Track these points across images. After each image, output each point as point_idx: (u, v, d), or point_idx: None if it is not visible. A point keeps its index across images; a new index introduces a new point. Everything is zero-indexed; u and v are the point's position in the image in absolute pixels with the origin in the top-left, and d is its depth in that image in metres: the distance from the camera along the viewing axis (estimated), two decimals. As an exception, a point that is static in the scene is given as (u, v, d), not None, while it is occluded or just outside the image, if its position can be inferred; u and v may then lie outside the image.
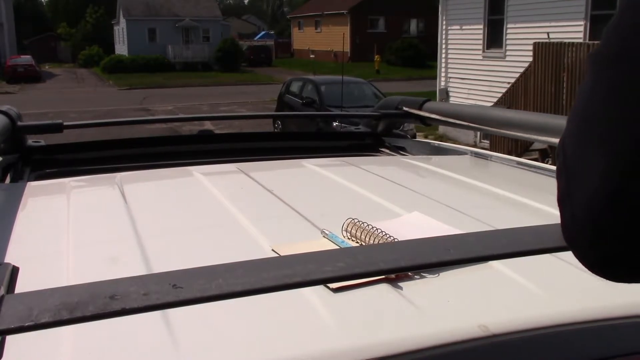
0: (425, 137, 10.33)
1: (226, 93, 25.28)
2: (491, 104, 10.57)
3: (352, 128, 2.74)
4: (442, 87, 14.64)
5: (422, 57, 34.14)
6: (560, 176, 0.53)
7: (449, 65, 14.45)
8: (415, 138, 3.09)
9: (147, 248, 1.08)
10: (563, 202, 0.53)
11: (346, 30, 37.91)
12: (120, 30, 42.92)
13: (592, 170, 0.49)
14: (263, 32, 60.56)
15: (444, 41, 14.59)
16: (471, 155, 2.06)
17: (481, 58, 13.42)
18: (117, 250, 1.13)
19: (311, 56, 41.05)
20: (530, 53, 10.29)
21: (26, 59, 33.77)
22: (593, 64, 0.51)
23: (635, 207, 0.47)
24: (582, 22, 10.94)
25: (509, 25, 12.58)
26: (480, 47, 13.44)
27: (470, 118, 2.01)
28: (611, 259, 0.50)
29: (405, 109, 2.31)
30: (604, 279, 0.53)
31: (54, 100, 22.61)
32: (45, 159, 2.11)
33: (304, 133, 3.39)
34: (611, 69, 0.49)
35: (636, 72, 0.47)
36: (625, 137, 0.47)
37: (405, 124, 3.25)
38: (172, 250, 1.12)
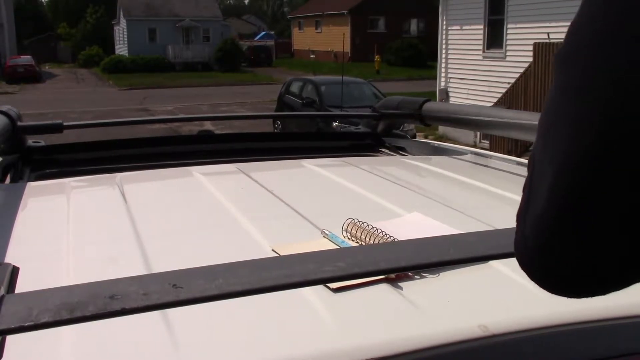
0: (425, 137, 10.33)
1: (226, 93, 25.27)
2: (491, 104, 10.57)
3: (352, 128, 2.74)
4: (442, 87, 14.64)
5: (422, 57, 34.13)
6: (523, 191, 0.48)
7: (449, 66, 14.45)
8: (415, 138, 3.09)
9: (147, 248, 1.08)
10: (518, 219, 0.48)
11: (346, 30, 37.91)
12: (121, 31, 42.92)
13: (543, 187, 0.44)
14: (263, 32, 60.55)
15: (444, 41, 14.58)
16: (471, 155, 2.06)
17: (481, 58, 13.42)
18: (117, 250, 1.13)
19: (311, 56, 41.06)
20: (531, 53, 10.29)
21: (26, 59, 33.75)
22: (554, 66, 0.47)
23: (581, 231, 0.42)
24: (582, 22, 10.92)
25: (509, 26, 12.58)
26: (481, 47, 13.43)
27: (470, 118, 2.01)
28: (559, 281, 0.46)
29: (405, 109, 2.31)
30: None
31: (54, 101, 22.61)
32: (45, 159, 2.11)
33: (304, 133, 3.40)
34: (562, 72, 0.44)
35: (584, 76, 0.41)
36: (568, 150, 0.42)
37: (405, 124, 3.25)
38: (172, 250, 1.12)
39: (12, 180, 1.84)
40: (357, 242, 1.09)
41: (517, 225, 0.48)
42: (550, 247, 0.45)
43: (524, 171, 1.82)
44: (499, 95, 11.38)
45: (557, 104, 0.44)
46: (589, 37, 0.42)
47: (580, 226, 0.42)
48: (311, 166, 1.79)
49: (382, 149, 2.38)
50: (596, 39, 0.42)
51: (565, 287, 0.47)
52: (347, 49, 37.36)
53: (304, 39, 44.97)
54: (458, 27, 14.08)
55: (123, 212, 1.32)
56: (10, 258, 1.02)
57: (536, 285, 0.94)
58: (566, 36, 0.46)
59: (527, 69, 10.37)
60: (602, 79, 0.40)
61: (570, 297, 0.48)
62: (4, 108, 1.94)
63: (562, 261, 0.44)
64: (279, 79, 26.26)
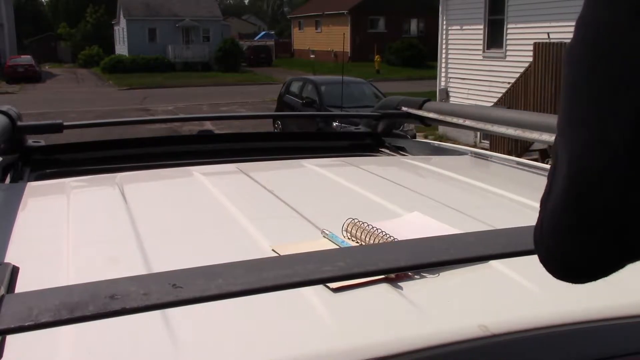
0: (425, 137, 10.33)
1: (226, 93, 25.27)
2: (491, 104, 10.56)
3: (352, 128, 2.74)
4: (442, 87, 14.63)
5: (422, 57, 34.13)
6: (548, 179, 0.51)
7: (449, 65, 14.45)
8: (415, 138, 3.09)
9: (147, 248, 1.08)
10: (541, 205, 0.51)
11: (346, 30, 37.91)
12: (121, 30, 42.92)
13: (559, 176, 0.47)
14: (263, 32, 60.54)
15: (444, 41, 14.58)
16: (471, 155, 2.06)
17: (481, 58, 13.41)
18: (117, 250, 1.13)
19: (311, 56, 41.05)
20: (531, 53, 10.29)
21: (26, 59, 33.75)
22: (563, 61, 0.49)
23: (587, 219, 0.44)
24: (582, 22, 10.92)
25: (509, 26, 12.58)
26: (481, 47, 13.43)
27: (470, 118, 2.01)
28: (570, 267, 0.49)
29: (405, 109, 2.31)
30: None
31: (54, 100, 22.61)
32: (45, 159, 2.11)
33: (304, 133, 3.40)
34: (571, 65, 0.46)
35: (591, 68, 0.43)
36: (577, 139, 0.44)
37: (405, 124, 3.25)
38: (172, 250, 1.12)
39: (12, 180, 1.84)
40: (357, 242, 1.09)
41: (539, 211, 0.51)
42: (560, 232, 0.47)
43: (524, 171, 1.82)
44: (499, 95, 11.37)
45: (567, 96, 0.46)
46: (591, 31, 0.44)
47: (585, 214, 0.44)
48: (311, 166, 1.79)
49: (382, 149, 2.38)
50: (599, 33, 0.43)
51: (573, 272, 0.50)
52: (347, 49, 37.36)
53: (304, 38, 44.96)
54: (458, 27, 14.08)
55: (123, 212, 1.32)
56: (10, 258, 1.02)
57: (536, 285, 0.94)
58: (574, 31, 0.47)
59: (527, 69, 10.36)
60: (602, 72, 0.42)
61: (575, 282, 0.51)
62: (4, 108, 1.94)
63: (570, 247, 0.47)
64: (279, 79, 26.26)
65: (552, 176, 0.49)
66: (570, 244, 0.47)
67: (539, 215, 0.51)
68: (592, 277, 0.49)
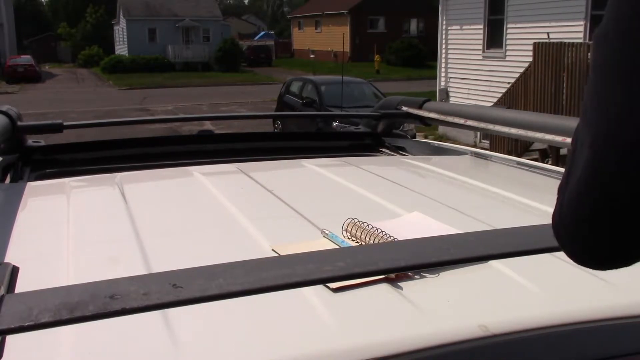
0: (425, 137, 10.33)
1: (226, 93, 25.27)
2: (491, 104, 10.56)
3: (352, 128, 2.74)
4: (442, 87, 14.63)
5: (422, 57, 34.13)
6: (565, 167, 0.53)
7: (449, 65, 14.44)
8: (415, 138, 3.09)
9: (147, 248, 1.08)
10: (559, 192, 0.53)
11: (346, 30, 37.91)
12: (120, 30, 42.91)
13: (581, 159, 0.48)
14: (263, 32, 60.52)
15: (444, 41, 14.58)
16: (471, 155, 2.06)
17: (481, 58, 13.41)
18: (117, 250, 1.13)
19: (311, 56, 41.05)
20: (530, 53, 10.29)
21: (26, 59, 33.75)
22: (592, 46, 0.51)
23: (615, 204, 0.45)
24: (582, 22, 10.93)
25: (509, 25, 12.58)
26: (480, 47, 13.43)
27: (470, 118, 2.01)
28: (591, 249, 0.50)
29: (405, 109, 2.31)
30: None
31: (54, 100, 22.61)
32: (45, 159, 2.11)
33: (304, 133, 3.40)
34: (599, 49, 0.48)
35: (621, 51, 0.45)
36: (602, 122, 0.46)
37: (405, 124, 3.25)
38: (172, 250, 1.12)
39: (12, 180, 1.84)
40: (357, 242, 1.09)
41: (557, 197, 0.53)
42: (582, 216, 0.48)
43: (524, 171, 1.82)
44: (499, 95, 11.37)
45: (595, 79, 0.48)
46: (620, 16, 0.46)
47: (610, 193, 0.45)
48: (311, 166, 1.79)
49: (382, 149, 2.38)
50: (626, 18, 0.45)
51: (594, 258, 0.50)
52: (347, 49, 37.35)
53: (304, 38, 44.96)
54: (458, 27, 14.08)
55: (123, 212, 1.32)
56: (10, 258, 1.02)
57: (536, 285, 0.94)
58: (604, 16, 0.49)
59: (527, 69, 10.36)
60: (634, 51, 0.44)
61: (595, 268, 0.51)
62: (4, 108, 1.94)
63: (591, 231, 0.48)
64: (279, 79, 26.26)
65: (571, 162, 0.50)
66: (591, 228, 0.48)
67: (557, 201, 0.52)
68: (613, 263, 0.50)
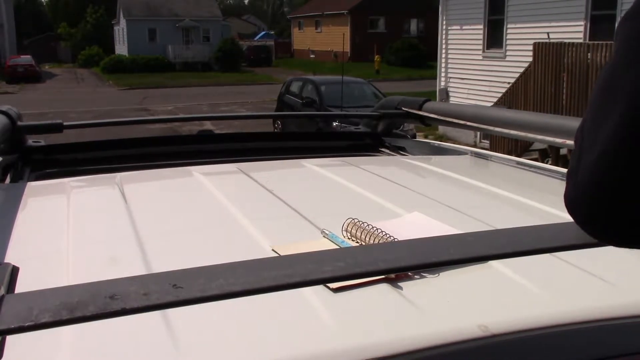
0: (425, 137, 10.33)
1: (226, 93, 25.27)
2: (491, 104, 10.56)
3: (352, 128, 2.74)
4: (442, 87, 14.64)
5: (422, 57, 34.12)
6: (572, 156, 0.55)
7: (449, 65, 14.45)
8: (415, 138, 3.09)
9: (147, 248, 1.08)
10: (569, 175, 0.54)
11: (346, 30, 37.89)
12: (120, 30, 42.91)
13: (600, 137, 0.50)
14: (263, 32, 60.50)
15: (444, 41, 14.58)
16: (471, 155, 2.06)
17: (481, 58, 13.41)
18: (117, 250, 1.13)
19: (311, 56, 41.04)
20: (530, 53, 10.29)
21: (26, 59, 33.76)
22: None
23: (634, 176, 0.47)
24: (582, 22, 10.94)
25: (509, 26, 12.58)
26: (480, 47, 13.43)
27: (470, 118, 2.01)
28: (612, 221, 0.51)
29: (405, 109, 2.31)
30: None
31: (54, 101, 22.61)
32: (45, 159, 2.11)
33: (304, 133, 3.39)
34: (625, 28, 0.50)
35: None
36: (627, 100, 0.47)
37: (405, 124, 3.25)
38: (172, 250, 1.12)
39: (12, 180, 1.84)
40: (357, 242, 1.09)
41: (567, 181, 0.55)
42: (603, 191, 0.50)
43: (524, 171, 1.82)
44: (499, 95, 11.38)
45: (624, 52, 0.50)
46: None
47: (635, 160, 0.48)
48: (311, 166, 1.79)
49: (382, 149, 2.38)
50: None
51: (616, 234, 0.52)
52: (347, 49, 37.35)
53: (304, 38, 44.95)
54: (458, 27, 14.08)
55: (123, 212, 1.32)
56: (10, 258, 1.02)
57: (536, 285, 0.94)
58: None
59: (527, 69, 10.37)
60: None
61: (617, 244, 0.53)
62: (4, 108, 1.94)
63: (607, 207, 0.50)
64: (279, 79, 26.26)
65: (579, 146, 0.53)
66: (613, 202, 0.49)
67: (568, 183, 0.54)
68: (634, 240, 0.51)
